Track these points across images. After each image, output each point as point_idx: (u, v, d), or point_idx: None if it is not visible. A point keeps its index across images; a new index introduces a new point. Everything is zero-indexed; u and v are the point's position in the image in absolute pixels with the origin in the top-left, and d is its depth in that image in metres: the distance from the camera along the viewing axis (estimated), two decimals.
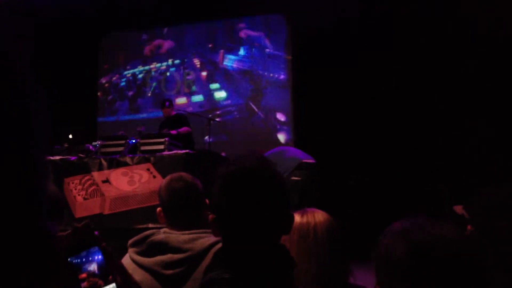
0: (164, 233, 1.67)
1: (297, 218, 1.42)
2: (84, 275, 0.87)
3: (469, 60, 6.31)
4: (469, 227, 1.44)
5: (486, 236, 1.36)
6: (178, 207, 1.71)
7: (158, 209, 1.78)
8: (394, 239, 0.90)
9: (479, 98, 6.26)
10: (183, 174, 1.81)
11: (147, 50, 8.97)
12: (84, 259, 0.88)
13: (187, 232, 1.65)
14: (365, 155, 6.69)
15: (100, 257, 0.89)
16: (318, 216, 1.44)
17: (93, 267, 0.88)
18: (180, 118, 6.34)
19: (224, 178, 1.01)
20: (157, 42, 8.96)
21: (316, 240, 1.39)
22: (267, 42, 8.27)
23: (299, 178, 4.79)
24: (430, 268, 0.83)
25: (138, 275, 1.53)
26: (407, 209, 5.47)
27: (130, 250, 1.68)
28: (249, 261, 0.97)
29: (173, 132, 5.81)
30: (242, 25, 8.46)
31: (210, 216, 1.03)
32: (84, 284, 0.86)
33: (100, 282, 0.88)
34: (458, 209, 1.57)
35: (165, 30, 8.91)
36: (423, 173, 6.36)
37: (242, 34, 8.46)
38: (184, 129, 6.09)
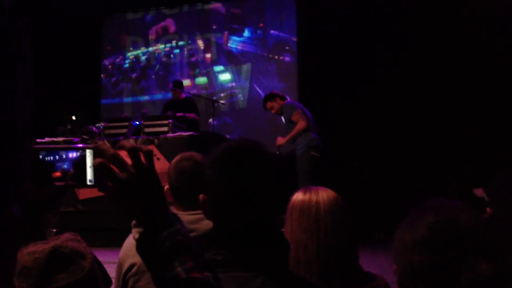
0: None
1: (300, 195, 1.42)
2: (58, 174, 0.87)
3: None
4: (488, 209, 1.40)
5: (505, 218, 1.32)
6: (185, 186, 1.70)
7: (166, 187, 1.75)
8: (411, 223, 0.91)
9: (498, 85, 6.17)
10: (194, 153, 1.80)
11: (152, 32, 8.85)
12: (57, 157, 0.87)
13: (192, 212, 1.62)
14: (375, 138, 6.63)
15: (74, 155, 0.87)
16: (322, 193, 1.41)
17: (67, 164, 0.87)
18: (189, 103, 6.18)
19: (213, 155, 1.01)
20: (161, 24, 8.84)
21: (318, 217, 1.36)
22: (273, 24, 8.15)
23: (318, 155, 4.98)
24: (448, 249, 0.83)
25: None
26: (428, 191, 5.45)
27: (134, 230, 1.63)
28: (241, 243, 0.94)
29: (179, 114, 5.72)
30: (247, 6, 8.32)
31: (201, 196, 1.01)
32: (57, 173, 0.86)
33: (72, 171, 0.87)
34: (478, 192, 1.54)
35: (169, 11, 8.78)
36: (443, 156, 6.30)
37: (247, 15, 8.33)
38: (191, 114, 5.96)
